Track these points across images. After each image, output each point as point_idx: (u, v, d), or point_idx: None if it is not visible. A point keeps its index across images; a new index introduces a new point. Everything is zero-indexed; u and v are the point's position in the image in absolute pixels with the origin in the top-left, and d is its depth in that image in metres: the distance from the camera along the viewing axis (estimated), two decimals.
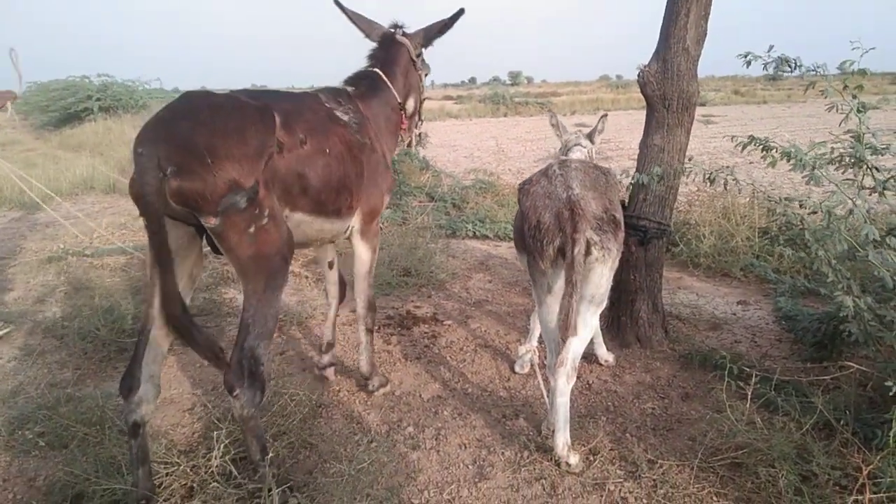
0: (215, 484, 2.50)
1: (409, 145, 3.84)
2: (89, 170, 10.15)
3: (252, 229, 2.31)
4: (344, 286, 3.66)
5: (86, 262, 5.87)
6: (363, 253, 3.27)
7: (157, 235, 2.18)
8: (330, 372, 3.63)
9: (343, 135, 2.92)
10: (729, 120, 21.81)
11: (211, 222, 2.24)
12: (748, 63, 2.97)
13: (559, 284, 2.73)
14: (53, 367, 3.77)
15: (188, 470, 2.60)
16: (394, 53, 3.55)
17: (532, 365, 3.67)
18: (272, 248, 2.39)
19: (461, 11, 3.48)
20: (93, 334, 4.00)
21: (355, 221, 3.12)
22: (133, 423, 2.40)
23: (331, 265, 3.59)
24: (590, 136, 3.82)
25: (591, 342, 3.75)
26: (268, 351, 2.49)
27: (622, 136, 17.02)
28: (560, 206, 2.64)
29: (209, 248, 2.51)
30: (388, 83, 3.46)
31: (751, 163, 10.83)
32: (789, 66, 2.91)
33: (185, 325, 2.25)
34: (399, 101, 3.50)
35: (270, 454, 2.56)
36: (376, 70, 3.47)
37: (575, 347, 2.71)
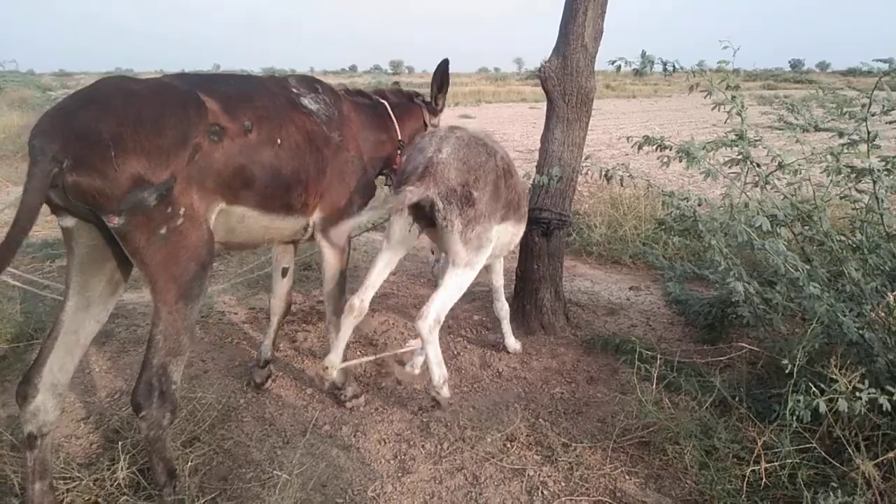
0: (125, 497, 2.35)
1: None
2: None
3: (163, 231, 2.12)
4: (289, 305, 3.44)
5: None
6: (328, 256, 3.05)
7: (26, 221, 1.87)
8: (266, 384, 3.44)
9: (304, 124, 2.69)
10: (603, 113, 22.89)
11: (114, 222, 2.03)
12: (618, 69, 3.14)
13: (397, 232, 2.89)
14: None
15: (91, 484, 2.43)
16: (406, 103, 3.52)
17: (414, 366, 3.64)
18: (187, 253, 2.19)
19: (445, 62, 3.50)
20: None
21: (316, 220, 2.91)
22: (29, 434, 2.19)
23: (284, 273, 3.36)
24: None
25: (501, 331, 3.85)
26: (180, 369, 2.30)
27: (505, 127, 17.55)
28: (423, 161, 2.69)
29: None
30: (392, 117, 3.35)
31: (626, 154, 11.47)
32: (666, 68, 3.12)
33: None
34: (400, 139, 3.37)
35: (189, 463, 2.43)
36: (382, 101, 3.38)
37: (437, 303, 2.71)
